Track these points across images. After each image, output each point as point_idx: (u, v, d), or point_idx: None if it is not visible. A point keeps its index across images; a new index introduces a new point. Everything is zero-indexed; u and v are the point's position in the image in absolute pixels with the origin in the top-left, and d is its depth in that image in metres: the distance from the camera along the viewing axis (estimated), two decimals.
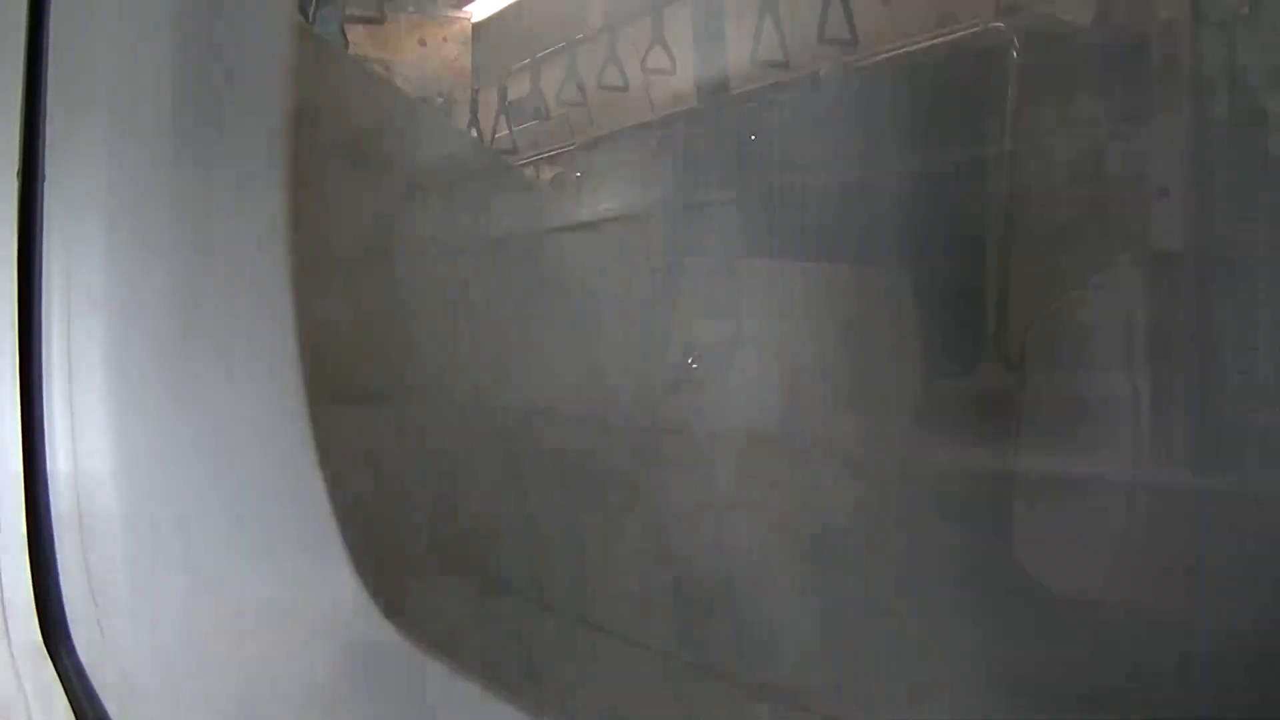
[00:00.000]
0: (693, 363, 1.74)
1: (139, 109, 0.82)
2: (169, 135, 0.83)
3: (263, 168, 0.87)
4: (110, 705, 0.66)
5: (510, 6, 3.33)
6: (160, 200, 0.83)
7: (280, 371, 0.87)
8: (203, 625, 0.76)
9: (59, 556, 0.73)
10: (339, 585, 0.83)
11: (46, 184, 0.79)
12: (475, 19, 3.43)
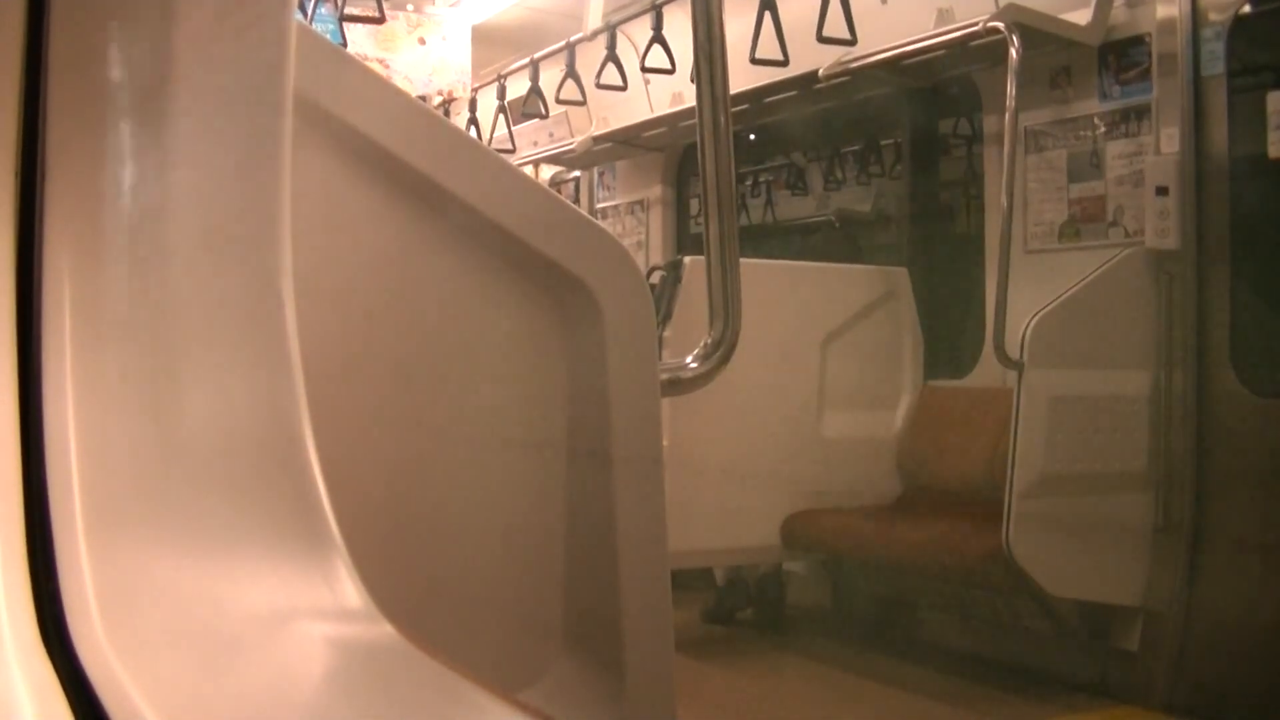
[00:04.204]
0: (691, 363, 1.74)
1: (140, 104, 0.82)
2: (169, 131, 0.83)
3: (264, 166, 0.87)
4: (110, 705, 0.66)
5: None
6: (160, 198, 0.83)
7: (277, 369, 0.87)
8: (202, 625, 0.76)
9: (58, 555, 0.73)
10: (338, 585, 0.83)
11: (47, 183, 0.79)
12: None
